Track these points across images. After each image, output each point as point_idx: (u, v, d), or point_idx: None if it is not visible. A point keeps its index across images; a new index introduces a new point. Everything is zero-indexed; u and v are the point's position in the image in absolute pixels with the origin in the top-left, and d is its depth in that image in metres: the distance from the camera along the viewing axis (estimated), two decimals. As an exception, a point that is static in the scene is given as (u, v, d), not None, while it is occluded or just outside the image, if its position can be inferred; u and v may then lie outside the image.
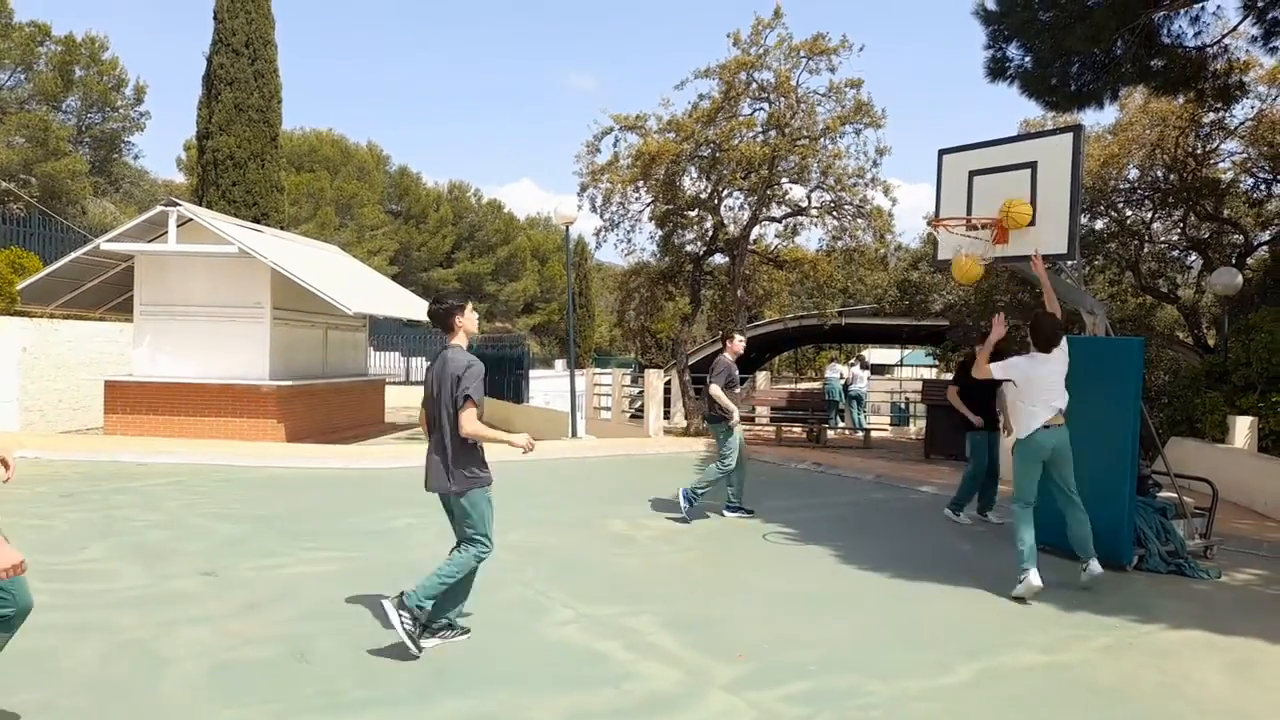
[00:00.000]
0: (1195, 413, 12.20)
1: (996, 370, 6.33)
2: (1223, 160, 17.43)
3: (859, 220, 17.19)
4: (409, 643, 4.45)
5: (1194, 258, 18.82)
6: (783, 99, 16.60)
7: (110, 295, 16.03)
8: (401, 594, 4.50)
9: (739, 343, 8.69)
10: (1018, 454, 6.28)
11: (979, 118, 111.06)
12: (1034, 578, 5.85)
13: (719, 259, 19.25)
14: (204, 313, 14.42)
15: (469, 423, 4.58)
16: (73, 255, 14.39)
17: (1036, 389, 6.16)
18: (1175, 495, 7.22)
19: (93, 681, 4.16)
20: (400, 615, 4.44)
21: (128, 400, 13.97)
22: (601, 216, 17.99)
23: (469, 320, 4.84)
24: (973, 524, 8.64)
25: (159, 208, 13.98)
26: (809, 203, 17.63)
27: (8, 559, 3.29)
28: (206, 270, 14.41)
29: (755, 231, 18.07)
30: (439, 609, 4.67)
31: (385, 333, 27.27)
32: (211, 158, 22.00)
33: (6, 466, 3.66)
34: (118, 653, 4.53)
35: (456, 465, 4.69)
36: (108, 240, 14.11)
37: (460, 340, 4.83)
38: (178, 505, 8.31)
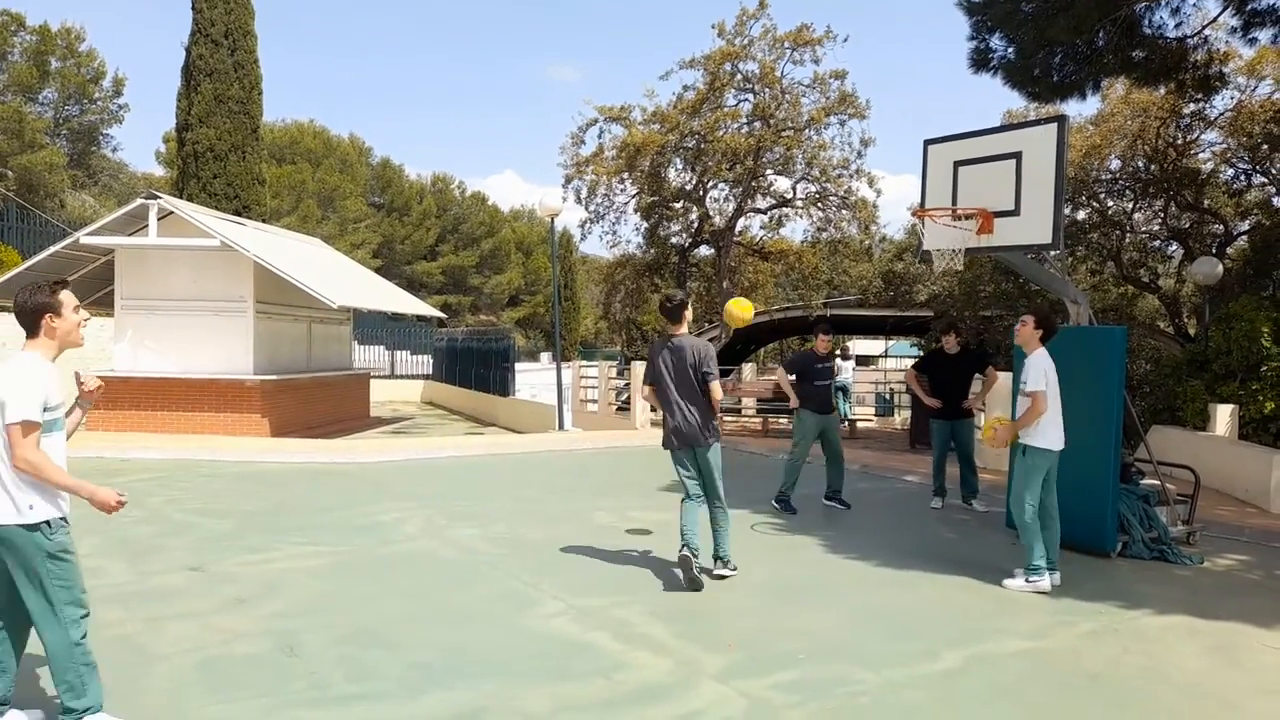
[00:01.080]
0: (1176, 401, 12.32)
1: (1039, 380, 5.86)
2: (1203, 151, 17.61)
3: (844, 211, 17.27)
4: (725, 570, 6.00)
5: (1175, 247, 19.01)
6: (767, 90, 16.62)
7: (90, 290, 15.85)
8: (716, 558, 6.05)
9: (823, 340, 8.65)
10: (1034, 460, 5.93)
11: (962, 108, 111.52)
12: (1048, 583, 5.86)
13: (704, 251, 19.30)
14: (186, 307, 14.29)
15: (719, 391, 5.91)
16: (52, 249, 14.22)
17: (1055, 394, 5.98)
18: (1158, 482, 7.29)
19: (79, 678, 4.12)
20: (725, 570, 6.01)
21: (109, 395, 13.82)
22: (586, 208, 18.00)
23: (691, 312, 6.12)
24: (942, 508, 8.70)
25: (139, 201, 13.82)
26: (794, 194, 17.69)
27: (108, 496, 3.40)
28: (188, 264, 14.28)
29: (740, 223, 18.13)
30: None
31: (369, 326, 27.12)
32: (191, 150, 21.80)
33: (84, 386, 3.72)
34: (104, 649, 4.47)
35: (706, 425, 5.89)
36: (87, 234, 13.95)
37: (684, 329, 6.00)
38: (161, 501, 8.25)
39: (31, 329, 3.39)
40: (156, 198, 13.82)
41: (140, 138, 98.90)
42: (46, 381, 3.31)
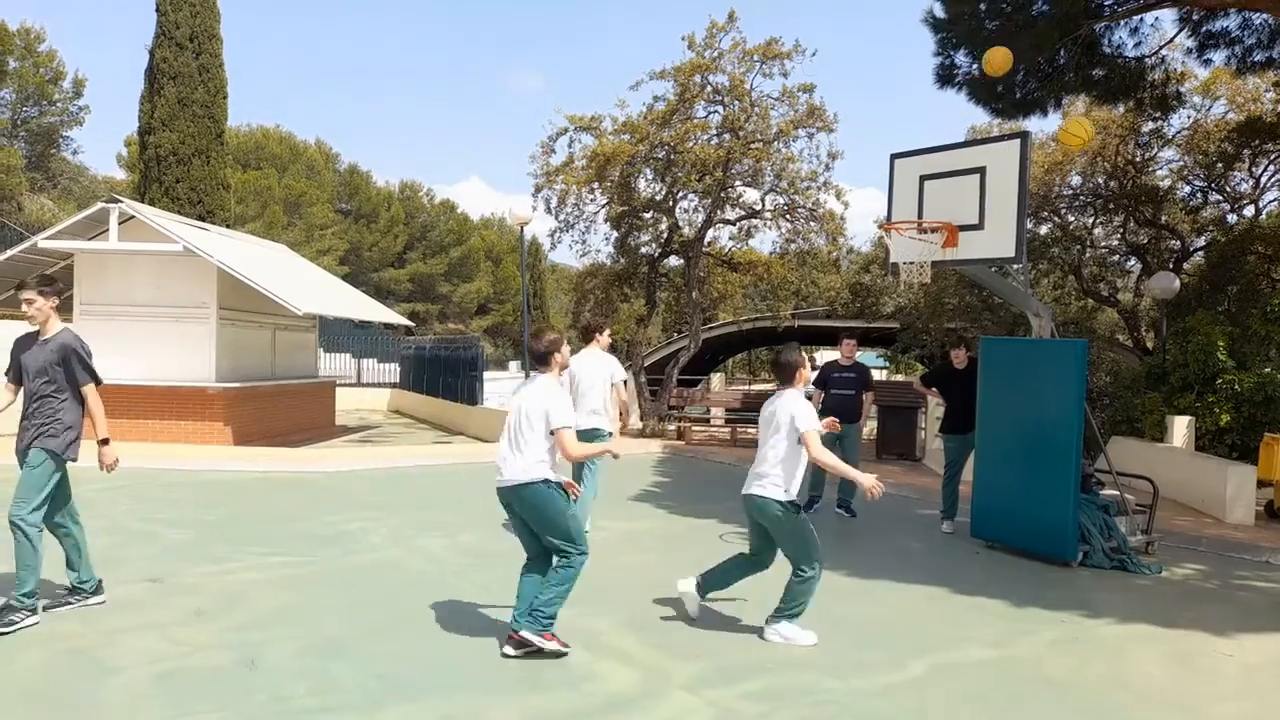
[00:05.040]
0: (1135, 413, 12.56)
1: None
2: (1161, 168, 18.01)
3: (812, 223, 17.39)
4: None
5: (1133, 262, 19.41)
6: (737, 102, 16.73)
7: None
8: None
9: (848, 345, 9.20)
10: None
11: (926, 123, 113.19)
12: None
13: (674, 261, 19.34)
14: (147, 313, 14.03)
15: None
16: (8, 253, 13.92)
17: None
18: (1117, 493, 7.42)
19: (33, 692, 4.03)
20: None
21: (66, 403, 13.51)
22: (556, 218, 17.95)
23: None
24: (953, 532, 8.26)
25: (100, 205, 13.57)
26: (763, 205, 17.79)
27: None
28: (150, 269, 14.03)
29: (710, 234, 18.18)
30: None
31: (335, 334, 26.78)
32: (154, 154, 21.45)
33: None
34: (59, 662, 4.39)
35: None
36: (45, 238, 13.67)
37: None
38: (121, 511, 8.08)
39: (546, 363, 4.86)
40: (117, 201, 13.58)
41: (101, 141, 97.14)
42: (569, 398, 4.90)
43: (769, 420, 5.05)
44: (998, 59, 7.69)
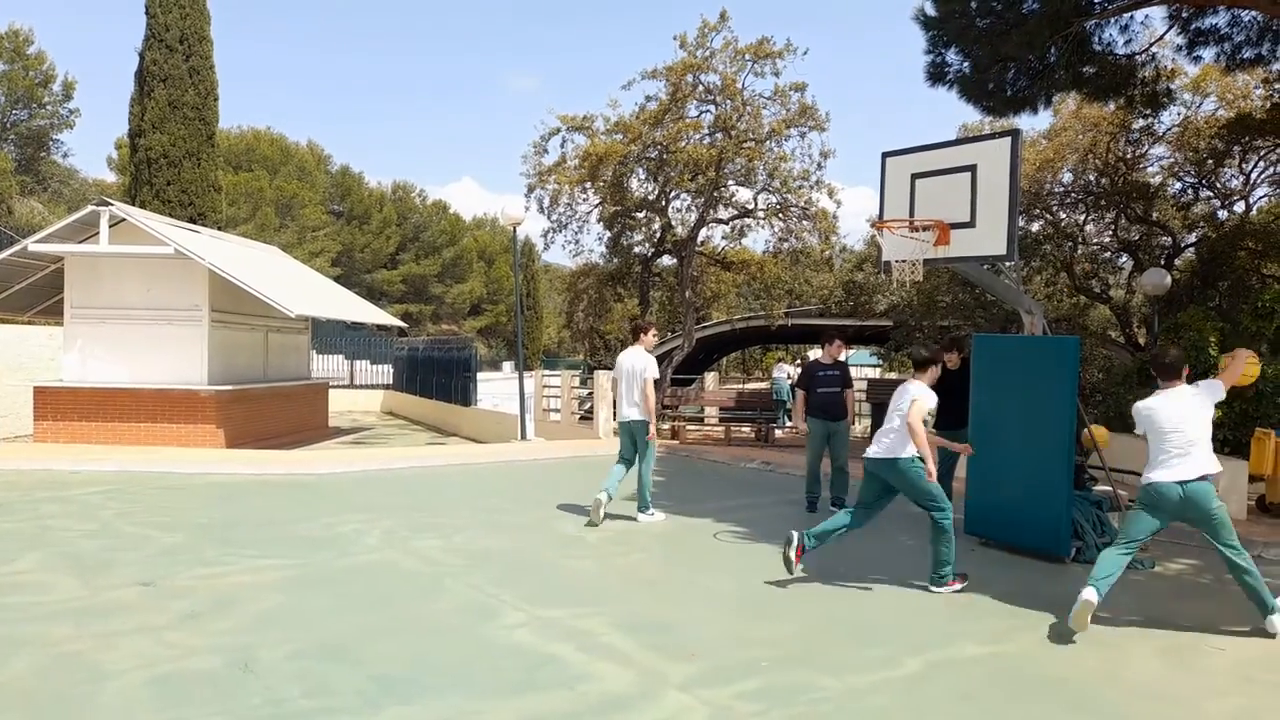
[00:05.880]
0: (1127, 409, 12.58)
1: None
2: (1151, 165, 18.06)
3: (804, 222, 17.42)
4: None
5: (1125, 259, 19.46)
6: (729, 101, 16.75)
7: (39, 298, 15.46)
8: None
9: (836, 346, 9.23)
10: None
11: (916, 120, 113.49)
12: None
13: (667, 260, 19.35)
14: (139, 316, 13.98)
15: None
16: (-2, 257, 13.85)
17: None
18: (1110, 489, 7.45)
19: (26, 696, 4.01)
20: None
21: (59, 407, 13.48)
22: (549, 218, 17.97)
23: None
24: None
25: (90, 208, 13.51)
26: (755, 205, 17.80)
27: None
28: (141, 272, 13.98)
29: (703, 233, 18.20)
30: None
31: (328, 335, 26.71)
32: (145, 156, 21.39)
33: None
34: (53, 666, 4.37)
35: None
36: (36, 241, 13.60)
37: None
38: (112, 514, 8.05)
39: (924, 369, 6.31)
40: (108, 204, 13.53)
41: (92, 144, 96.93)
42: (932, 396, 6.11)
43: (1187, 417, 5.33)
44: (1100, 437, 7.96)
